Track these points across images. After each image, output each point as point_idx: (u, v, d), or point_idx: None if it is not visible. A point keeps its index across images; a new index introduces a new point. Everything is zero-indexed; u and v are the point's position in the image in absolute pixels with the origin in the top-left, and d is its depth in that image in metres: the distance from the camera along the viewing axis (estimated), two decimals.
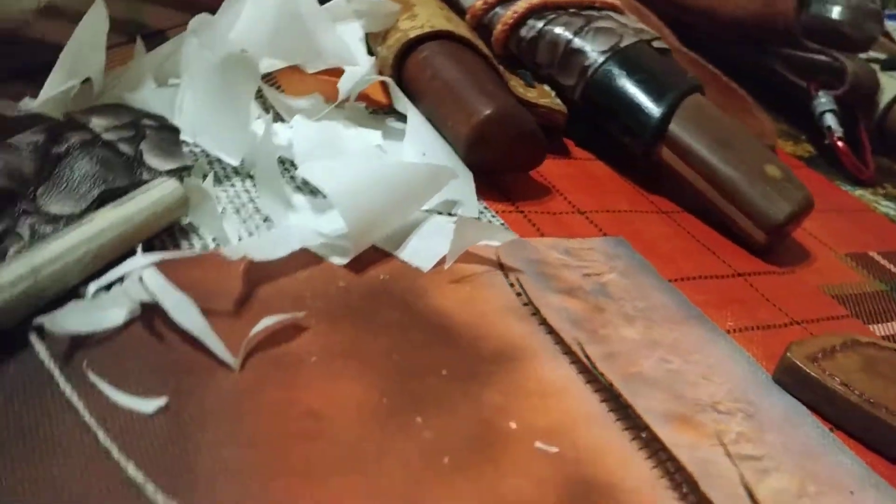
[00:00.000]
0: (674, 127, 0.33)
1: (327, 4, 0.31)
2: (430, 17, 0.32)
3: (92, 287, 0.18)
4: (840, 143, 0.44)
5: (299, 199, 0.25)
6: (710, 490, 0.19)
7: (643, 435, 0.21)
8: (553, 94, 0.35)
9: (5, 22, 0.25)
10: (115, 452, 0.16)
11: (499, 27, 0.36)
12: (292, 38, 0.28)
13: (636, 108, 0.33)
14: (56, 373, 0.17)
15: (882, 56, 0.52)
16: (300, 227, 0.23)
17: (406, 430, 0.18)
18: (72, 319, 0.18)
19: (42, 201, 0.21)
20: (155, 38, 0.33)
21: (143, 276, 0.19)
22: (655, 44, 0.37)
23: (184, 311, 0.18)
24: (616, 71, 0.34)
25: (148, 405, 0.17)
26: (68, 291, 0.19)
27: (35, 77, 0.25)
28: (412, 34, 0.31)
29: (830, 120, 0.45)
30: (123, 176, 0.22)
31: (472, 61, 0.31)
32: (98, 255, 0.19)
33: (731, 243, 0.32)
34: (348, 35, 0.30)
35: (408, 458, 0.18)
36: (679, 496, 0.19)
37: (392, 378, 0.20)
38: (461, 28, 0.33)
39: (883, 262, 0.35)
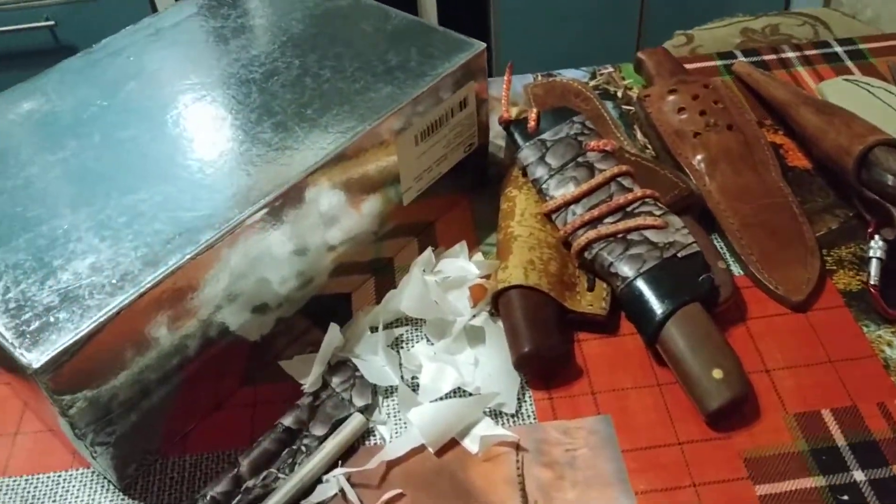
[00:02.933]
0: (665, 332, 0.53)
1: (446, 282, 0.56)
2: (514, 268, 0.56)
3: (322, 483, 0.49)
4: (873, 290, 0.56)
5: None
6: None
7: None
8: (605, 292, 0.57)
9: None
10: None
11: (573, 249, 0.58)
12: (424, 303, 0.55)
13: (642, 315, 0.54)
14: None
15: None
16: (411, 437, 0.51)
17: None
18: (313, 498, 0.49)
19: (311, 428, 0.52)
20: (386, 269, 0.61)
21: (339, 477, 0.49)
22: (682, 252, 0.55)
23: (351, 492, 0.48)
24: (636, 289, 0.54)
25: None
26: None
27: (334, 319, 0.55)
28: (498, 287, 0.55)
29: (873, 266, 0.57)
30: (343, 409, 0.52)
31: (532, 302, 0.54)
32: (324, 465, 0.50)
33: (695, 413, 0.52)
34: (455, 296, 0.56)
35: None
36: None
37: None
38: (532, 276, 0.55)
39: (829, 419, 0.51)
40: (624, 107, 0.74)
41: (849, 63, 0.77)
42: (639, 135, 0.71)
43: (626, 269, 0.54)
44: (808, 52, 0.78)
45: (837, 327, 0.56)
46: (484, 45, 0.59)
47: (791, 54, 0.78)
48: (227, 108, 0.55)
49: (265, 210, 0.49)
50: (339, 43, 0.60)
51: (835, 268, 0.59)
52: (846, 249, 0.60)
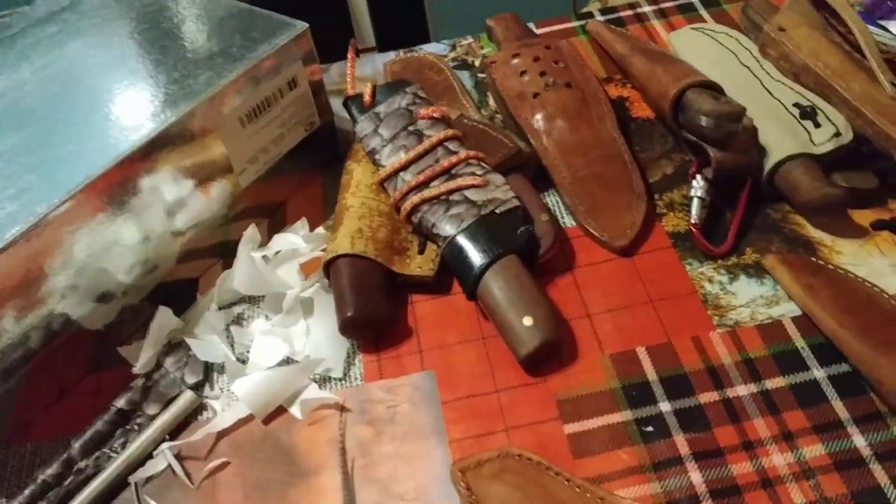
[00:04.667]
0: (482, 285, 0.54)
1: (275, 257, 0.58)
2: (342, 238, 0.57)
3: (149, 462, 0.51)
4: (693, 230, 0.57)
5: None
6: None
7: None
8: (435, 254, 0.58)
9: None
10: None
11: (401, 214, 0.59)
12: (255, 280, 0.56)
13: (462, 270, 0.55)
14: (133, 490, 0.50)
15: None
16: (238, 409, 0.53)
17: None
18: (142, 472, 0.50)
19: (145, 408, 0.53)
20: (234, 251, 0.63)
21: (166, 451, 0.51)
22: (501, 208, 0.56)
23: (175, 464, 0.50)
24: (456, 246, 0.55)
25: None
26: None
27: (180, 304, 0.57)
28: (326, 258, 0.57)
29: (694, 206, 0.58)
30: (175, 388, 0.54)
31: (358, 269, 0.56)
32: (153, 441, 0.51)
33: (514, 362, 0.53)
34: (286, 271, 0.57)
35: None
36: None
37: (254, 485, 0.49)
38: (358, 244, 0.57)
39: (643, 357, 0.52)
40: (479, 75, 0.75)
41: (703, 12, 0.78)
42: (491, 101, 0.72)
43: (447, 228, 0.56)
44: (663, 5, 0.79)
45: (661, 268, 0.57)
46: (306, 25, 0.61)
47: (647, 8, 0.79)
48: (46, 109, 0.57)
49: (70, 203, 0.50)
50: (166, 36, 0.62)
51: (665, 211, 0.61)
52: (679, 192, 0.62)
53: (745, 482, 0.45)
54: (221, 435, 0.52)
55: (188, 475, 0.50)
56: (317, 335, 0.55)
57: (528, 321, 0.51)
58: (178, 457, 0.51)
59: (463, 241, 0.55)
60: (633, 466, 0.47)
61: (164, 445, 0.51)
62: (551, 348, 0.51)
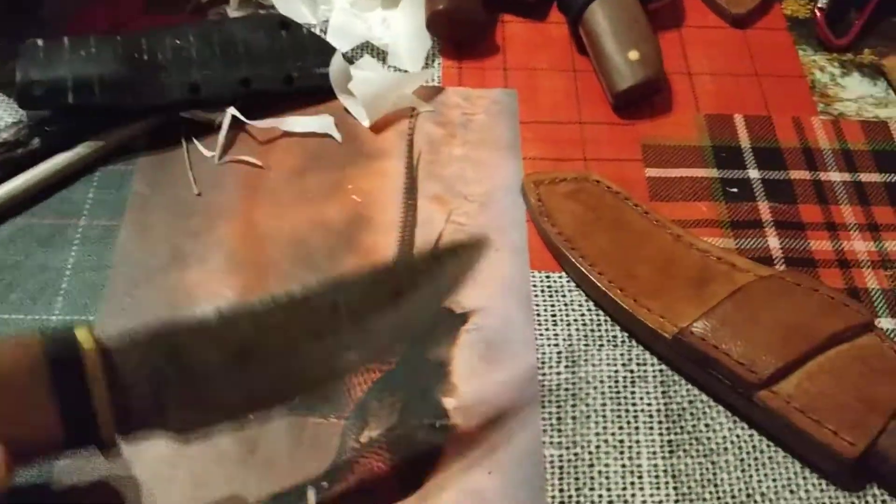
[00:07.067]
0: (589, 11, 0.49)
1: None
2: None
3: None
4: (818, 13, 0.53)
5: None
6: (419, 228, 0.44)
7: (410, 202, 0.45)
8: None
9: None
10: None
11: None
12: None
13: None
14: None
15: None
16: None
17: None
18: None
19: None
20: None
21: None
22: None
23: None
24: None
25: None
26: None
27: None
28: None
29: None
30: None
31: None
32: None
33: (602, 99, 0.50)
34: None
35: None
36: (401, 233, 0.44)
37: (311, 154, 0.46)
38: None
39: (739, 123, 0.49)
40: None
41: None
42: None
43: None
44: None
45: (773, 47, 0.53)
46: None
47: None
48: None
49: None
50: None
51: None
52: None
53: (822, 258, 0.44)
54: None
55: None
56: (398, 26, 0.51)
57: (633, 55, 0.47)
58: None
59: None
60: (711, 219, 0.45)
61: None
62: (651, 89, 0.48)
